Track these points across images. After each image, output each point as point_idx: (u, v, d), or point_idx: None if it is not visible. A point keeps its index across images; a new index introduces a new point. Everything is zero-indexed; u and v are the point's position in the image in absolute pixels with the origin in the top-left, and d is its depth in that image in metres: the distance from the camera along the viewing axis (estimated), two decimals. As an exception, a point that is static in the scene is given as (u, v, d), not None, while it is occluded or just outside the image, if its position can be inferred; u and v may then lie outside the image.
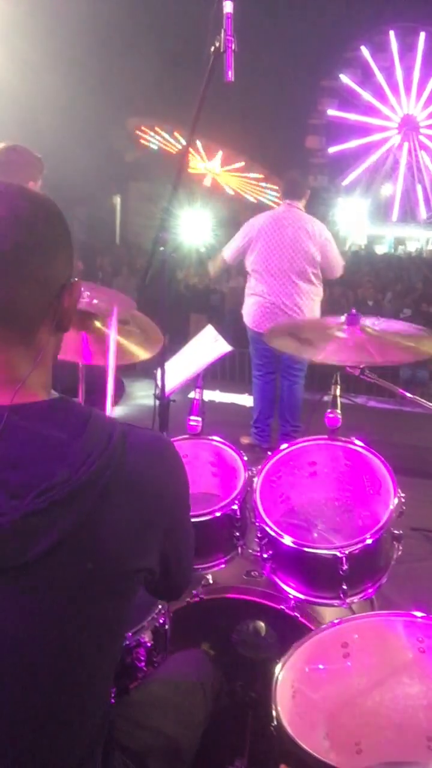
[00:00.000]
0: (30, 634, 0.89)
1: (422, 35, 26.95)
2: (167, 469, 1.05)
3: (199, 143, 20.83)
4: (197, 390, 2.26)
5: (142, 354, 2.06)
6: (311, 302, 4.46)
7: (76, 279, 1.02)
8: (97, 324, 2.07)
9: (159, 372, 2.29)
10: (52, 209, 0.99)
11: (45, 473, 0.88)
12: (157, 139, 22.48)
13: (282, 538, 1.75)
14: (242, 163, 23.23)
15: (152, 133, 22.44)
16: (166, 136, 22.11)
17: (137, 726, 1.27)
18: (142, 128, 22.31)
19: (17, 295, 0.92)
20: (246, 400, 6.66)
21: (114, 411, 1.84)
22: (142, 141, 22.57)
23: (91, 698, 1.00)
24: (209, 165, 22.25)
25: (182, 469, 1.10)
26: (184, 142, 2.37)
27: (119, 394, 3.28)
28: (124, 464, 0.94)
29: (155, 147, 22.39)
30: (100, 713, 1.03)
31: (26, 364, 0.96)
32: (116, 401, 3.25)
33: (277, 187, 24.78)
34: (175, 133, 21.25)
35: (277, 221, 4.47)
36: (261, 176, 24.00)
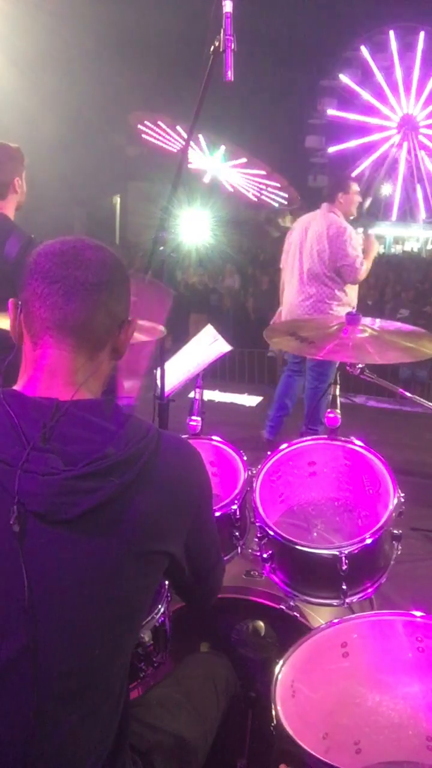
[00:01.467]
0: (72, 581, 1.03)
1: (422, 35, 26.97)
2: (196, 470, 1.21)
3: (201, 138, 20.87)
4: (197, 390, 2.26)
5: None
6: (323, 305, 4.44)
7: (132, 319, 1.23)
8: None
9: (159, 372, 2.29)
10: (121, 263, 1.23)
11: (95, 449, 1.05)
12: (159, 133, 22.48)
13: (282, 538, 1.75)
14: (244, 159, 23.22)
15: (155, 128, 22.45)
16: (168, 130, 22.11)
17: (147, 726, 1.28)
18: (145, 122, 22.32)
19: (95, 318, 1.15)
20: (246, 399, 6.67)
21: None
22: (144, 136, 22.57)
23: (114, 667, 1.10)
24: (210, 160, 22.24)
25: (208, 476, 1.25)
26: (185, 137, 2.36)
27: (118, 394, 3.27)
28: (158, 455, 1.11)
29: (157, 142, 22.38)
30: (119, 691, 1.12)
31: (87, 373, 1.16)
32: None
33: (279, 185, 24.84)
34: (177, 127, 21.26)
35: (304, 223, 4.56)
36: (263, 173, 24.01)
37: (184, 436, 2.17)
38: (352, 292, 4.52)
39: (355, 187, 4.54)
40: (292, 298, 4.56)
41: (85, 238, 1.25)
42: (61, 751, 1.02)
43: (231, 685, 1.54)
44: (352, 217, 4.56)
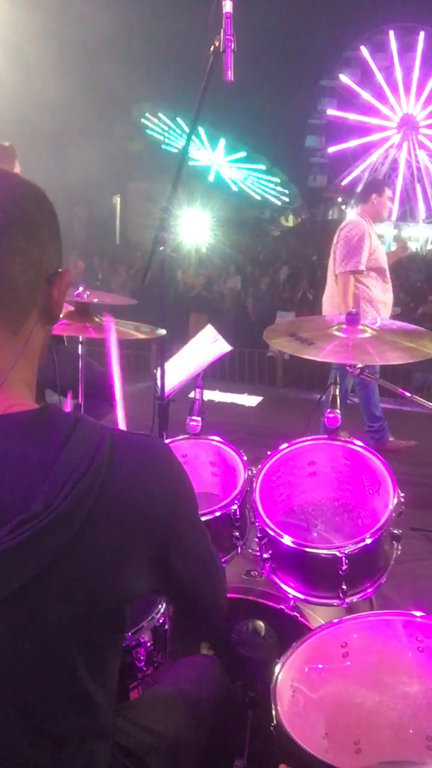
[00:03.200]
0: (11, 669, 0.84)
1: (421, 35, 26.96)
2: (161, 478, 0.95)
3: (203, 132, 20.89)
4: (197, 390, 2.26)
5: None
6: (333, 301, 4.58)
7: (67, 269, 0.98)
8: (97, 319, 2.08)
9: (158, 372, 2.29)
10: (43, 197, 0.96)
11: (22, 501, 0.80)
12: (161, 127, 22.52)
13: (282, 537, 1.75)
14: (244, 153, 23.26)
15: (156, 122, 22.49)
16: (169, 122, 22.17)
17: (139, 727, 1.26)
18: (147, 116, 22.40)
19: (7, 274, 0.87)
20: (246, 399, 6.67)
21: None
22: (148, 131, 22.65)
23: (92, 713, 0.95)
24: (212, 156, 22.25)
25: (180, 477, 1.00)
26: (185, 130, 2.37)
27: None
28: (111, 481, 0.86)
29: (159, 135, 22.42)
30: (103, 721, 0.99)
31: (12, 354, 0.89)
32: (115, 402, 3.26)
33: (278, 180, 24.85)
34: (177, 119, 21.31)
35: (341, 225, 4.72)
36: (263, 167, 24.02)
37: (184, 436, 2.18)
38: (376, 291, 4.55)
39: (388, 192, 4.66)
40: (325, 295, 4.73)
41: None
42: None
43: (222, 687, 1.51)
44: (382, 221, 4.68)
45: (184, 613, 1.11)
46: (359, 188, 27.57)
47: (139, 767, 1.17)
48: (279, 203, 25.77)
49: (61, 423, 0.87)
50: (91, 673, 0.91)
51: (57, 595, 0.83)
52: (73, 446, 0.84)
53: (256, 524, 1.83)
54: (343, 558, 1.66)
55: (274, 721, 1.22)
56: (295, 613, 1.82)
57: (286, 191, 25.42)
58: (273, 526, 1.78)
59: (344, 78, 28.24)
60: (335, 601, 1.73)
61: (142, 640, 1.54)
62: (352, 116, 28.45)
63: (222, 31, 2.01)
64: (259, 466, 1.99)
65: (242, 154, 23.26)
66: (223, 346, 2.38)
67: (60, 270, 0.96)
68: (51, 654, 0.86)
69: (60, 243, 0.98)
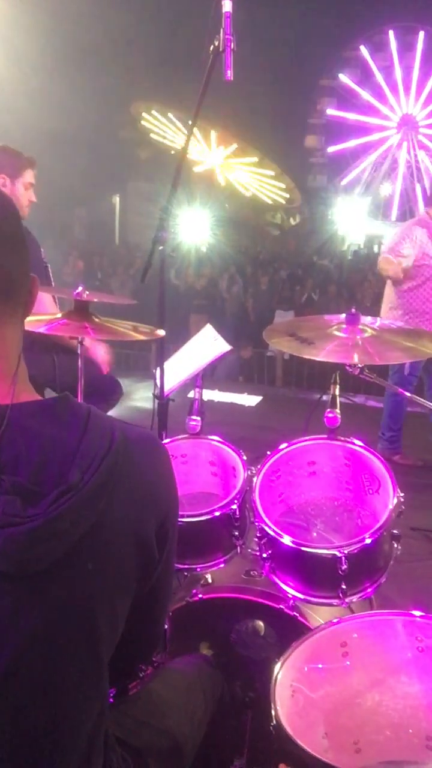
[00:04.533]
0: (52, 633, 0.89)
1: (421, 35, 26.95)
2: (166, 464, 1.06)
3: (213, 134, 20.92)
4: (197, 389, 2.26)
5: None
6: (385, 306, 4.65)
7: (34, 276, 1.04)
8: (96, 319, 2.09)
9: (158, 372, 2.29)
10: (14, 209, 1.00)
11: (57, 476, 0.86)
12: (161, 125, 22.57)
13: (281, 537, 1.75)
14: (255, 159, 23.26)
15: (157, 120, 22.53)
16: (160, 117, 22.22)
17: (138, 724, 1.27)
18: (143, 115, 22.46)
19: (12, 267, 0.96)
20: (246, 399, 6.67)
21: (113, 412, 1.84)
22: (152, 135, 22.69)
23: (98, 695, 1.00)
24: (218, 160, 22.27)
25: (172, 470, 1.09)
26: (179, 126, 2.37)
27: (116, 394, 3.28)
28: (127, 461, 0.93)
29: (159, 135, 22.46)
30: (100, 709, 1.02)
31: (16, 352, 0.96)
32: (114, 402, 3.26)
33: (284, 185, 24.85)
34: (169, 114, 21.35)
35: None
36: (272, 173, 24.02)
37: (183, 436, 2.18)
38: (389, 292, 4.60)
39: None
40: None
41: None
42: None
43: (217, 685, 1.53)
44: None
45: (131, 633, 1.06)
46: (359, 188, 27.68)
47: (135, 759, 1.18)
48: (282, 201, 25.80)
49: (79, 410, 0.94)
50: (107, 647, 0.97)
51: (90, 562, 0.89)
52: (93, 429, 0.92)
53: (256, 524, 1.83)
54: (343, 558, 1.66)
55: (274, 721, 1.22)
56: (295, 613, 1.82)
57: (283, 185, 25.39)
58: (272, 526, 1.78)
59: (344, 78, 28.23)
60: (335, 601, 1.73)
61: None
62: (351, 116, 28.44)
63: (222, 30, 2.01)
64: (259, 466, 1.99)
65: (234, 146, 23.16)
66: (222, 346, 2.38)
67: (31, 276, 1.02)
68: (80, 625, 0.91)
69: (25, 239, 1.02)
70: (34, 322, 1.98)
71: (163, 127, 22.51)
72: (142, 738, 1.24)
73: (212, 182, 21.79)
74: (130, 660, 1.26)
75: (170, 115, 21.58)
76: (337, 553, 1.67)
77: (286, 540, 1.74)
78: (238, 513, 1.88)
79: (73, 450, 0.88)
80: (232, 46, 2.00)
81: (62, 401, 0.95)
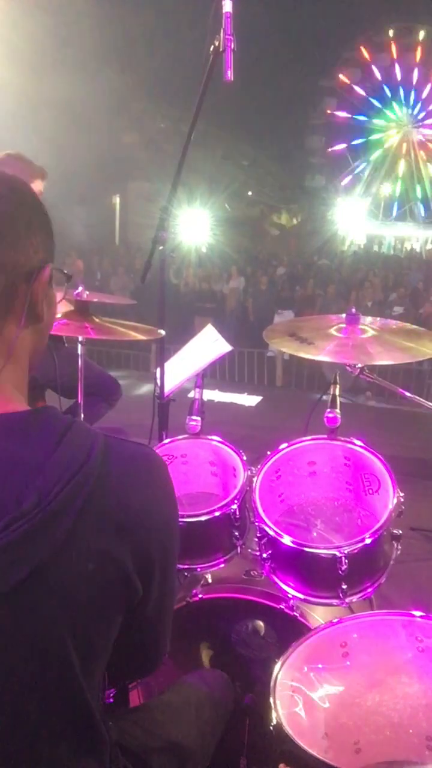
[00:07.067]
0: (9, 664, 0.83)
1: (421, 35, 26.96)
2: (156, 489, 0.93)
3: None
4: (197, 390, 2.26)
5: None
6: None
7: (50, 264, 0.94)
8: (96, 319, 2.09)
9: (159, 372, 2.29)
10: (21, 192, 0.92)
11: (14, 500, 0.79)
12: (161, 125, 22.60)
13: (281, 537, 1.75)
14: (246, 163, 23.25)
15: (156, 120, 22.57)
16: (168, 122, 22.25)
17: (147, 733, 1.27)
18: (144, 115, 22.48)
19: None
20: (246, 399, 6.67)
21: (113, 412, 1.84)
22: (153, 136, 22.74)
23: (81, 707, 0.93)
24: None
25: (172, 493, 0.96)
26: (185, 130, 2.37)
27: (116, 394, 3.28)
28: (104, 484, 0.84)
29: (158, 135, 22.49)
30: (89, 719, 0.96)
31: None
32: (114, 402, 3.27)
33: (280, 183, 24.83)
34: (172, 115, 21.38)
35: None
36: (267, 170, 23.99)
37: (183, 436, 2.17)
38: None
39: None
40: None
41: None
42: None
43: (230, 703, 1.54)
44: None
45: (132, 648, 1.02)
46: (359, 188, 27.65)
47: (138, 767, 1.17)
48: (282, 204, 25.83)
49: (55, 424, 0.86)
50: (85, 675, 0.89)
51: (53, 593, 0.82)
52: (66, 446, 0.83)
53: (256, 524, 1.83)
54: (343, 558, 1.66)
55: (274, 721, 1.22)
56: (295, 613, 1.82)
57: (286, 192, 25.44)
58: (273, 526, 1.78)
59: (344, 78, 28.24)
60: (335, 601, 1.73)
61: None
62: (352, 116, 28.47)
63: (222, 31, 2.01)
64: (259, 466, 1.99)
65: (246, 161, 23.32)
66: (223, 346, 2.38)
67: (40, 267, 0.91)
68: (47, 654, 0.85)
69: (45, 236, 0.94)
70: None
71: (163, 126, 22.55)
72: (149, 747, 1.23)
73: (210, 181, 21.81)
74: (127, 674, 1.21)
75: (171, 113, 21.62)
76: (337, 553, 1.67)
77: (287, 540, 1.74)
78: (238, 513, 1.88)
79: (37, 471, 0.80)
80: (232, 46, 2.00)
81: (37, 414, 0.86)
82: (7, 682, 0.83)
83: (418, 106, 28.10)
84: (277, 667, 1.34)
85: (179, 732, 1.32)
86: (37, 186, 3.02)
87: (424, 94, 27.76)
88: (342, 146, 28.72)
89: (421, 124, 28.23)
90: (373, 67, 28.09)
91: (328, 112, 28.82)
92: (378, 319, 2.30)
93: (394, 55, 27.82)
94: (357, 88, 28.18)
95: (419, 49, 27.22)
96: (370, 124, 28.77)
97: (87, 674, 0.90)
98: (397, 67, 27.87)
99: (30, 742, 0.87)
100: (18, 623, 0.81)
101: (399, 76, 27.91)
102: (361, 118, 28.51)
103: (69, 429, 0.85)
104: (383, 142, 28.98)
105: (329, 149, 28.95)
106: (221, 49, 2.01)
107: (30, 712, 0.86)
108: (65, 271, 1.04)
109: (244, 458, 2.04)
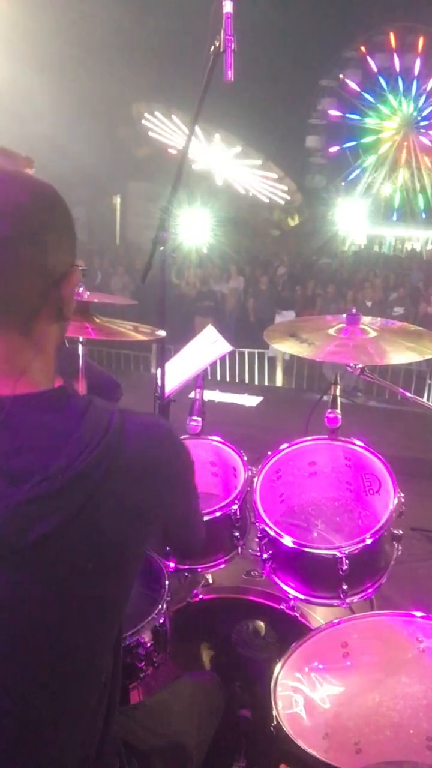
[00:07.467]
0: (32, 612, 0.93)
1: (422, 35, 26.96)
2: (166, 451, 1.06)
3: (217, 136, 20.93)
4: (197, 390, 2.26)
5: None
6: None
7: (78, 266, 1.02)
8: (97, 320, 2.09)
9: (159, 372, 2.29)
10: (52, 197, 0.98)
11: (45, 462, 0.90)
12: (161, 126, 22.56)
13: (282, 538, 1.75)
14: (239, 147, 23.26)
15: (157, 120, 22.53)
16: (165, 120, 22.22)
17: (145, 729, 1.30)
18: (146, 115, 22.45)
19: (13, 285, 0.93)
20: (246, 399, 6.67)
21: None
22: (151, 134, 22.68)
23: (91, 672, 1.04)
24: (213, 155, 22.26)
25: (182, 450, 1.11)
26: (182, 127, 2.36)
27: (117, 395, 3.28)
28: (122, 451, 0.96)
29: (159, 137, 22.46)
30: (100, 688, 1.06)
31: (26, 353, 0.96)
32: (114, 402, 3.26)
33: (275, 175, 24.81)
34: (173, 117, 21.37)
35: None
36: (259, 162, 23.99)
37: (184, 436, 2.17)
38: None
39: None
40: None
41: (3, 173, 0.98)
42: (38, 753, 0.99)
43: (222, 703, 1.58)
44: None
45: (177, 540, 1.42)
46: (360, 188, 27.66)
47: (142, 761, 1.21)
48: (283, 202, 25.78)
49: (78, 401, 0.98)
50: (101, 629, 1.02)
51: (79, 545, 0.93)
52: (90, 418, 0.95)
53: (257, 524, 1.83)
54: (344, 558, 1.66)
55: (275, 722, 1.22)
56: (296, 613, 1.82)
57: (285, 188, 25.36)
58: (273, 527, 1.78)
59: (344, 78, 28.24)
60: (335, 601, 1.73)
61: (141, 641, 1.54)
62: (352, 116, 28.47)
63: (222, 31, 2.01)
64: (260, 466, 1.99)
65: (238, 148, 23.17)
66: (223, 346, 2.38)
67: (69, 270, 0.99)
68: (69, 604, 0.95)
69: (72, 239, 1.01)
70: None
71: (165, 128, 22.52)
72: (149, 743, 1.26)
73: (210, 181, 21.78)
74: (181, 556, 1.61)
75: (174, 117, 21.59)
76: (338, 554, 1.67)
77: (287, 540, 1.74)
78: (238, 513, 1.88)
79: (66, 438, 0.92)
80: (232, 46, 2.00)
81: (60, 392, 0.98)
82: (35, 619, 0.94)
83: (419, 106, 28.10)
84: (277, 667, 1.34)
85: (176, 727, 1.35)
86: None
87: (425, 95, 27.76)
88: (342, 146, 28.71)
89: (421, 124, 28.22)
90: (374, 67, 28.08)
91: (329, 112, 28.80)
92: (378, 319, 2.30)
93: (395, 56, 27.81)
94: (357, 88, 28.18)
95: (420, 49, 27.22)
96: (370, 124, 28.76)
97: (118, 607, 1.05)
98: (397, 67, 27.87)
99: (50, 689, 0.97)
100: (45, 572, 0.92)
101: (399, 76, 27.91)
102: (362, 118, 28.51)
103: (90, 404, 0.98)
104: (384, 143, 28.98)
105: (329, 149, 28.94)
106: (222, 50, 2.00)
107: (48, 655, 0.96)
108: (82, 268, 1.12)
109: (245, 458, 2.04)
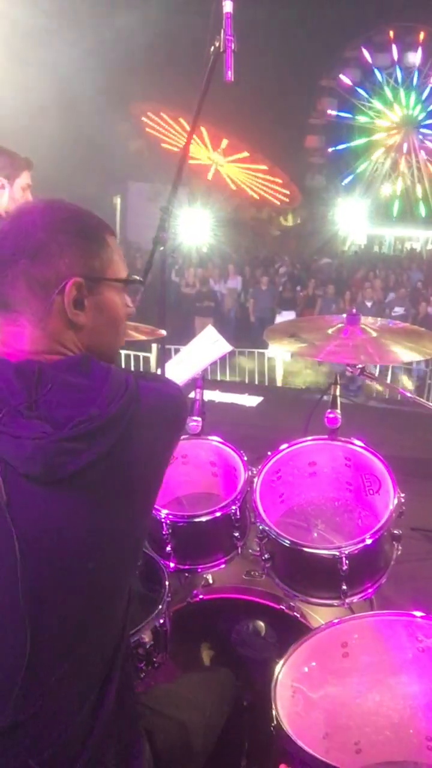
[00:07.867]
0: (70, 535, 1.07)
1: (422, 35, 26.96)
2: (176, 407, 1.23)
3: (204, 131, 20.90)
4: (198, 390, 2.26)
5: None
6: None
7: (75, 279, 1.15)
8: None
9: (159, 372, 2.29)
10: (61, 220, 1.16)
11: (81, 411, 1.08)
12: (161, 126, 22.54)
13: (282, 538, 1.75)
14: (246, 154, 23.23)
15: (157, 120, 22.51)
16: (172, 122, 22.19)
17: (152, 711, 1.33)
18: (147, 114, 22.42)
19: (14, 288, 1.13)
20: (246, 399, 6.67)
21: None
22: (148, 130, 22.66)
23: (114, 603, 1.16)
24: (213, 155, 22.24)
25: (184, 409, 1.28)
26: (187, 130, 2.36)
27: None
28: (139, 404, 1.13)
29: (160, 136, 22.44)
30: (119, 629, 1.18)
31: (51, 340, 1.15)
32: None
33: (280, 180, 24.81)
34: (180, 119, 21.34)
35: None
36: (265, 168, 23.97)
37: (184, 436, 2.18)
38: None
39: None
40: None
41: (31, 202, 1.19)
42: (52, 698, 1.07)
43: (233, 698, 1.58)
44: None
45: None
46: (360, 188, 27.66)
47: (149, 743, 1.25)
48: (278, 203, 25.78)
49: (101, 364, 1.15)
50: (123, 565, 1.17)
51: (109, 479, 1.09)
52: (113, 377, 1.13)
53: (257, 524, 1.83)
54: (344, 558, 1.66)
55: (275, 722, 1.22)
56: (296, 613, 1.82)
57: (288, 192, 25.37)
58: (273, 527, 1.78)
59: (344, 78, 28.25)
60: (335, 602, 1.73)
61: (142, 640, 1.54)
62: (352, 116, 28.47)
63: (222, 31, 2.01)
64: (260, 467, 1.99)
65: (245, 154, 23.20)
66: (224, 347, 2.38)
67: (66, 283, 1.14)
68: (101, 528, 1.10)
69: (77, 250, 1.16)
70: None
71: (166, 128, 22.51)
72: (153, 723, 1.30)
73: (205, 178, 21.76)
74: None
75: (181, 120, 21.57)
76: (338, 554, 1.67)
77: (287, 540, 1.74)
78: (238, 513, 1.88)
79: (96, 394, 1.10)
80: (232, 46, 2.00)
81: (86, 359, 1.16)
82: (66, 550, 1.07)
83: (419, 106, 28.09)
84: (277, 667, 1.34)
85: (183, 713, 1.38)
86: (24, 179, 2.96)
87: (425, 94, 27.76)
88: (342, 146, 28.72)
89: (421, 124, 28.22)
90: (374, 67, 28.09)
91: (329, 112, 28.80)
92: (378, 319, 2.30)
93: (395, 55, 27.82)
94: (357, 88, 28.19)
95: (419, 49, 27.22)
96: (371, 124, 28.76)
97: (141, 531, 1.23)
98: (397, 67, 27.88)
99: (94, 593, 1.10)
100: (77, 502, 1.07)
101: (399, 76, 27.92)
102: (361, 118, 28.51)
103: (110, 367, 1.16)
104: (384, 143, 28.97)
105: (329, 149, 28.94)
106: (222, 50, 2.01)
107: (95, 564, 1.10)
108: (136, 278, 1.34)
109: (245, 458, 2.04)
